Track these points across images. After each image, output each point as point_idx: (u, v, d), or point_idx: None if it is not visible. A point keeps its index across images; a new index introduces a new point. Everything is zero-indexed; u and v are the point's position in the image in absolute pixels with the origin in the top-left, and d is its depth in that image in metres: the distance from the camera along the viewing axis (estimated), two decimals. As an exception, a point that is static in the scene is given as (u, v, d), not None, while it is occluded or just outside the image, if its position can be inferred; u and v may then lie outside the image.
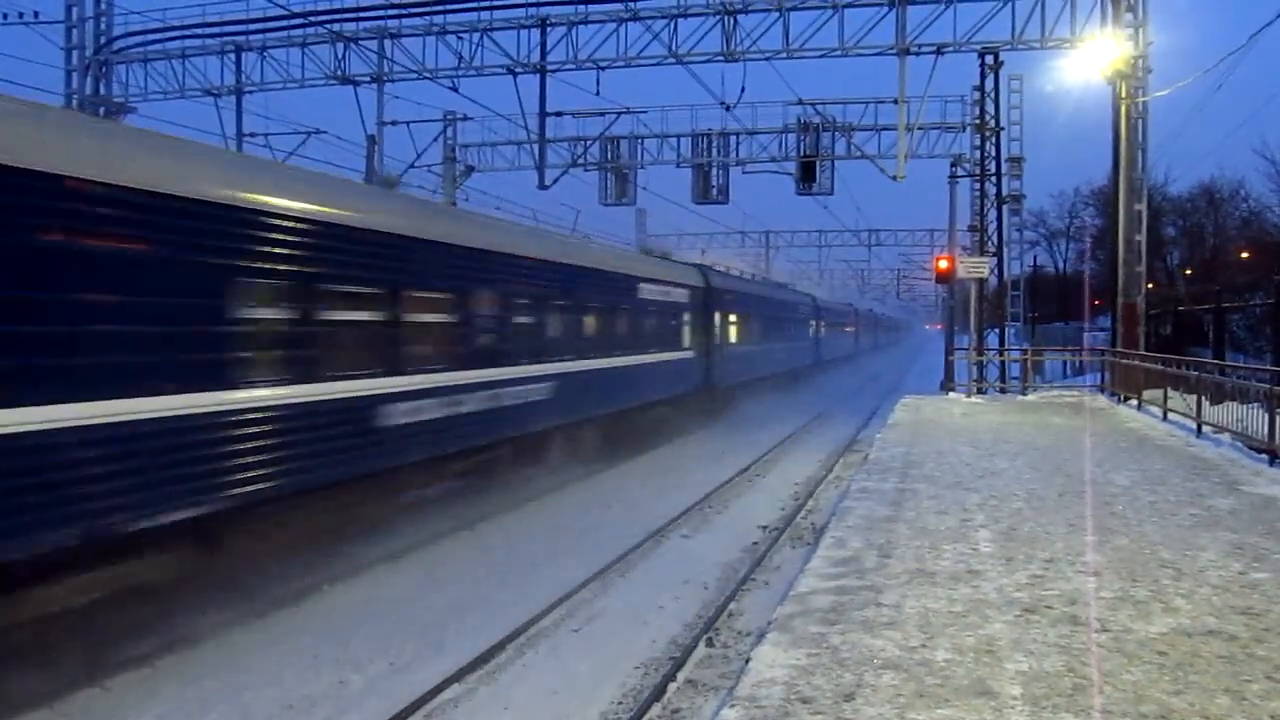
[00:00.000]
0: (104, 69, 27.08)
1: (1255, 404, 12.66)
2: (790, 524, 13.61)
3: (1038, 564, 7.19)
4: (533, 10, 24.80)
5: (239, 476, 8.65)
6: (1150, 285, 26.22)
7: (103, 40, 26.97)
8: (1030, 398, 22.69)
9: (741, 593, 10.28)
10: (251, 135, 26.67)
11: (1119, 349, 21.49)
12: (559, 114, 28.23)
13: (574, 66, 24.79)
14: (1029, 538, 8.03)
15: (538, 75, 25.35)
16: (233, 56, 26.81)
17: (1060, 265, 57.73)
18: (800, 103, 27.41)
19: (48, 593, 7.12)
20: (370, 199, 12.60)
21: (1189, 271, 47.13)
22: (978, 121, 25.23)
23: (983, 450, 13.35)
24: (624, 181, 31.45)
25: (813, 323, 44.12)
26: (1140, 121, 21.24)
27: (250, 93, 26.95)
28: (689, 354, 23.55)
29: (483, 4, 24.86)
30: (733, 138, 30.17)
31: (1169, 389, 16.50)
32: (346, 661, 8.31)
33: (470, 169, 31.76)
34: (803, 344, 41.14)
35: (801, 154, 28.43)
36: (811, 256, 62.67)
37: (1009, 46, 22.94)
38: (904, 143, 24.23)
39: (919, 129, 26.52)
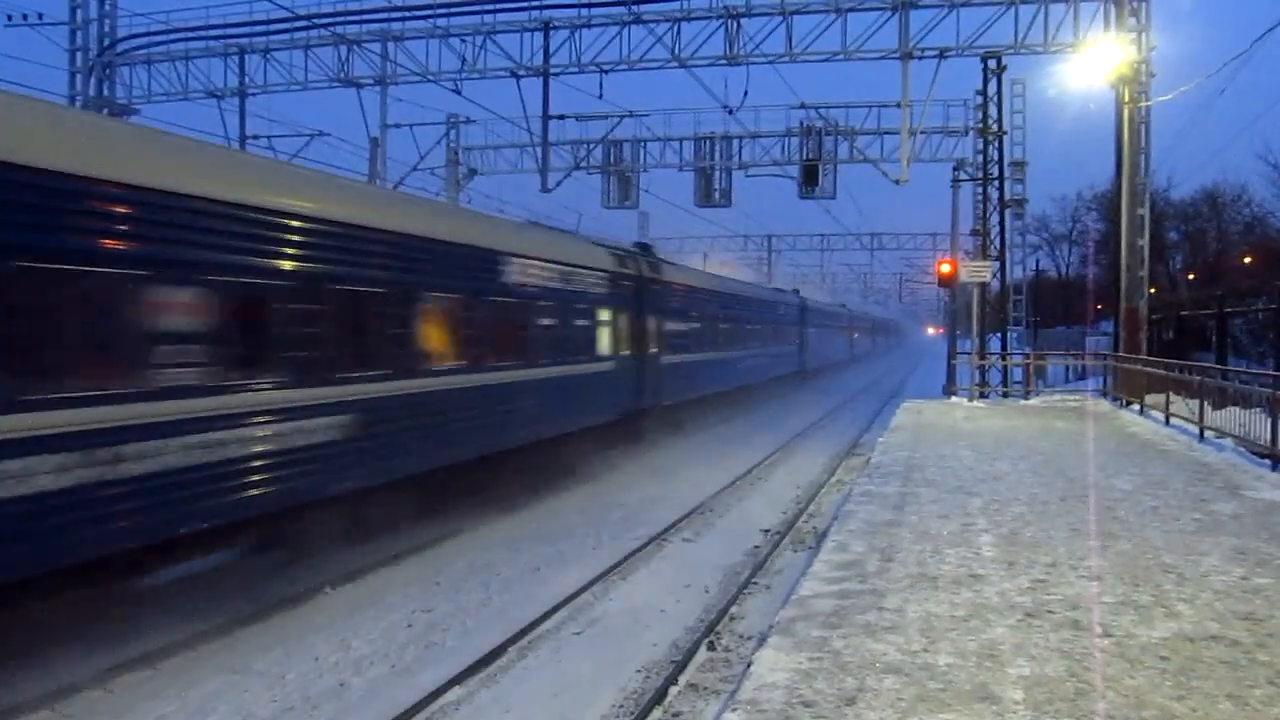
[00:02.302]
0: (107, 71, 27.11)
1: (1258, 409, 12.65)
2: (791, 528, 13.59)
3: (1040, 568, 7.18)
4: (536, 13, 24.80)
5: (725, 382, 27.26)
6: (1153, 290, 26.17)
7: (106, 42, 26.97)
8: (1033, 402, 22.69)
9: (743, 596, 10.26)
10: (255, 137, 26.72)
11: (1121, 353, 21.47)
12: (562, 117, 28.30)
13: (577, 70, 24.78)
14: (1031, 542, 8.03)
15: (541, 78, 25.37)
16: (236, 58, 26.82)
17: (1063, 269, 57.75)
18: (803, 106, 27.45)
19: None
20: (740, 287, 32.16)
21: (1192, 276, 47.07)
22: (980, 126, 25.23)
23: (985, 454, 13.35)
24: (626, 185, 31.48)
25: (849, 329, 60.99)
26: (1143, 126, 21.22)
27: (253, 95, 26.99)
28: (796, 347, 40.07)
29: (486, 7, 24.85)
30: (735, 141, 30.24)
31: (1171, 393, 16.50)
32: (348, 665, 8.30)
33: (473, 172, 31.82)
34: (844, 343, 59.18)
35: (804, 157, 28.45)
36: (814, 260, 62.98)
37: (1012, 51, 22.92)
38: (906, 146, 24.22)
39: (922, 133, 26.49)
